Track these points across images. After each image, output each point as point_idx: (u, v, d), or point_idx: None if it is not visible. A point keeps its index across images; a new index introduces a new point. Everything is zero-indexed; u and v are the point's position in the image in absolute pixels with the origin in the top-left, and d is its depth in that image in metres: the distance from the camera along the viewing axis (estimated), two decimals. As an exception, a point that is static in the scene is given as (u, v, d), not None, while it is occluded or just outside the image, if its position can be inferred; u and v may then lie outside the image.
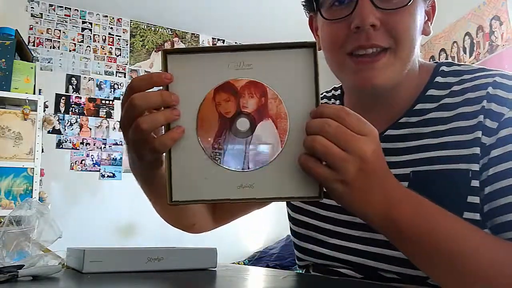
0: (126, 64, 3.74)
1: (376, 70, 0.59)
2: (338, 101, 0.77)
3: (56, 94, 3.39)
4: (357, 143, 0.45)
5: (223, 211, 0.84)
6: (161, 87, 0.49)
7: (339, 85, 0.80)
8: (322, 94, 0.83)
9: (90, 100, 3.52)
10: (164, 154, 0.51)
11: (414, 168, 0.61)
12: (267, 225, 3.67)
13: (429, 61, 0.73)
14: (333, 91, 0.81)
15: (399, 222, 0.48)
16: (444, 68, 0.67)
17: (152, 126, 0.48)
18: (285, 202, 0.82)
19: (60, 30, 3.52)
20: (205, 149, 0.49)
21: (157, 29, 3.94)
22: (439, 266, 0.49)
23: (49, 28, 3.48)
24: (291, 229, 0.79)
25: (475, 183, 0.56)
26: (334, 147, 0.45)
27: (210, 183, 0.49)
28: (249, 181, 0.48)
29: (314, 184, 0.48)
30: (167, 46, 3.95)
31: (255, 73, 0.49)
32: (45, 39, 3.45)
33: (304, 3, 0.70)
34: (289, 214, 0.80)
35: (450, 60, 2.34)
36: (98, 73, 3.60)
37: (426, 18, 0.66)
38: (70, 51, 3.52)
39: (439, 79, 0.66)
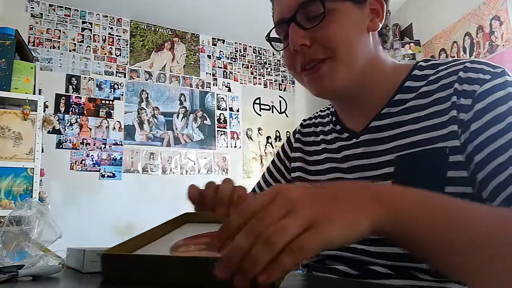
0: (126, 64, 3.74)
1: (321, 78, 0.67)
2: (334, 117, 0.81)
3: (56, 94, 3.39)
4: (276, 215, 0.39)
5: None
6: None
7: None
8: (317, 113, 0.89)
9: (90, 100, 3.52)
10: None
11: (398, 153, 0.65)
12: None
13: None
14: (327, 110, 0.86)
15: (411, 219, 0.44)
16: (422, 63, 0.72)
17: None
18: None
19: (60, 30, 3.52)
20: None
21: (157, 29, 3.94)
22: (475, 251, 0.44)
23: (49, 28, 3.48)
24: None
25: (454, 158, 0.59)
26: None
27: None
28: None
29: None
30: (167, 46, 3.95)
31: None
32: (45, 39, 3.45)
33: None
34: None
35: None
36: (98, 73, 3.61)
37: (374, 16, 0.69)
38: (70, 51, 3.53)
39: (416, 72, 0.70)
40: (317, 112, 0.90)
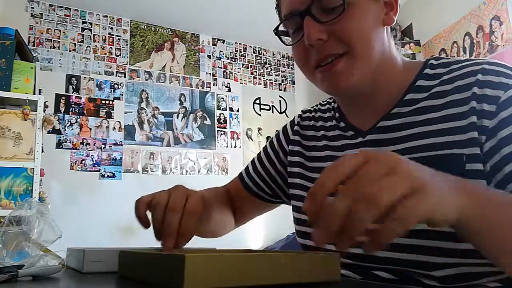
0: (126, 64, 3.74)
1: (337, 75, 0.63)
2: (337, 113, 0.78)
3: (56, 94, 3.39)
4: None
5: (241, 215, 0.95)
6: None
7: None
8: (316, 106, 0.86)
9: (90, 100, 3.52)
10: None
11: (409, 156, 0.61)
12: (267, 225, 3.68)
13: None
14: (328, 104, 0.83)
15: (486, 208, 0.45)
16: (433, 61, 0.69)
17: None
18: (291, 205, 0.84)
19: (60, 30, 3.52)
20: None
21: (157, 29, 3.94)
22: None
23: (49, 28, 3.48)
24: (295, 229, 0.81)
25: (471, 166, 0.57)
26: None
27: None
28: None
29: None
30: (167, 46, 3.95)
31: None
32: (45, 39, 3.45)
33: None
34: (294, 217, 0.81)
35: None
36: (98, 73, 3.61)
37: (388, 9, 0.67)
38: (70, 51, 3.52)
39: (428, 71, 0.68)
40: (316, 105, 0.87)
